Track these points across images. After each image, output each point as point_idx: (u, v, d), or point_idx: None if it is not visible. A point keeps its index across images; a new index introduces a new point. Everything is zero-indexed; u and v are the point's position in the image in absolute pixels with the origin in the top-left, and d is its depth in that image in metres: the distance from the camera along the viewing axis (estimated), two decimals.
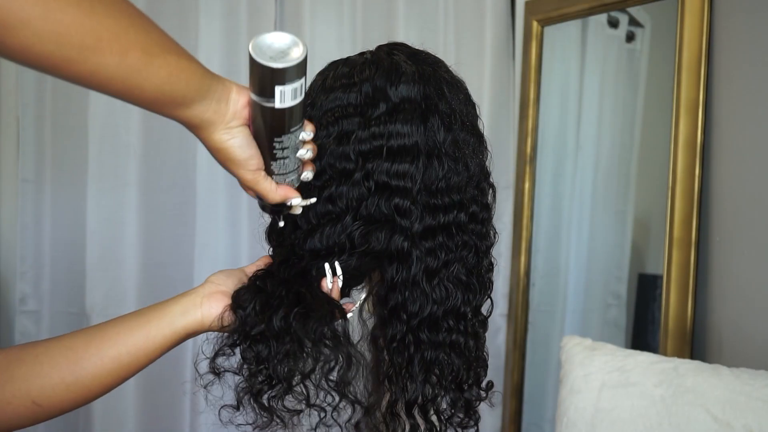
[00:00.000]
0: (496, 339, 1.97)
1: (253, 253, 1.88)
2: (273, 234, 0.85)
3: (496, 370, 1.97)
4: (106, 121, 1.86)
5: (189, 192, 1.89)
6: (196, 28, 1.87)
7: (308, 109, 0.83)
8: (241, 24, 1.89)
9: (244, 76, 1.87)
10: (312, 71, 0.93)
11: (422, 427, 0.82)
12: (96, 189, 1.87)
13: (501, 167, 1.98)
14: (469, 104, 0.85)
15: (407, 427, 0.81)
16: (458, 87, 0.84)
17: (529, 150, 1.94)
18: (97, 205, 1.87)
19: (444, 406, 0.84)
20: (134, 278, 1.88)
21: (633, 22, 1.81)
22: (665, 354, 1.46)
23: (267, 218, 0.85)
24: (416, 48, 0.86)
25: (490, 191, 0.86)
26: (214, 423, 2.03)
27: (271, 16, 1.90)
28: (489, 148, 0.86)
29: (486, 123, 2.00)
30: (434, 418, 0.83)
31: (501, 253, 1.98)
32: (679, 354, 1.46)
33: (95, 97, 1.85)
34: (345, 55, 0.86)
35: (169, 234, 1.91)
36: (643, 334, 1.76)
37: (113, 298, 1.86)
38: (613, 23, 1.84)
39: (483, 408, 0.90)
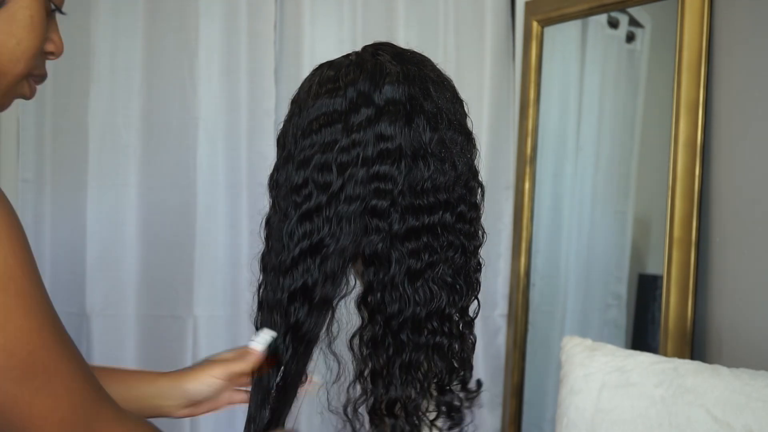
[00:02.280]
0: (496, 339, 1.97)
1: (252, 253, 1.87)
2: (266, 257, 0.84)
3: (496, 370, 1.97)
4: (106, 121, 1.86)
5: (189, 192, 1.89)
6: (196, 28, 1.86)
7: (295, 117, 0.82)
8: (241, 24, 1.88)
9: (243, 76, 1.88)
10: None
11: (405, 428, 0.80)
12: (96, 189, 1.86)
13: (501, 167, 1.97)
14: (457, 102, 0.83)
15: (390, 428, 0.80)
16: (445, 85, 0.83)
17: (529, 150, 1.94)
18: (97, 205, 1.86)
19: (429, 407, 0.82)
20: (134, 278, 1.87)
21: (633, 22, 1.81)
22: (665, 354, 1.46)
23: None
24: (402, 47, 0.85)
25: (479, 190, 0.84)
26: (214, 423, 2.01)
27: (271, 16, 1.90)
28: (479, 146, 0.84)
29: (486, 123, 2.02)
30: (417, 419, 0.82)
31: (501, 253, 1.98)
32: (679, 354, 1.46)
33: (95, 97, 1.85)
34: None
35: (169, 234, 1.90)
36: (643, 335, 1.76)
37: (113, 298, 1.86)
38: (613, 23, 1.83)
39: (483, 409, 0.89)
